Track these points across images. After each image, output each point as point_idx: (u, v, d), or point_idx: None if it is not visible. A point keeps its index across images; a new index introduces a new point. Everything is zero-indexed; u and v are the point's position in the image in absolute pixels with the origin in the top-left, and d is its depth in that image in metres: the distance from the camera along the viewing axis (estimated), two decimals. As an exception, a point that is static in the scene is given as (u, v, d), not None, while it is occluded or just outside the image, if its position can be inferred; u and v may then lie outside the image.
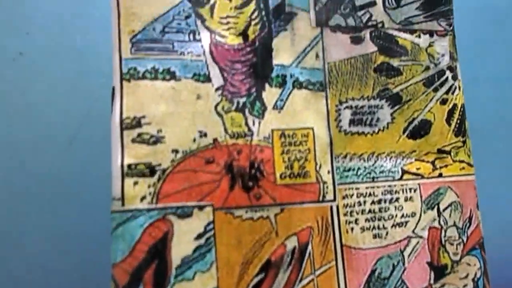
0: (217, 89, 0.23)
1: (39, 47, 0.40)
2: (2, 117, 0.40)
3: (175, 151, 0.22)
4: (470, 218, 0.26)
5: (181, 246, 0.21)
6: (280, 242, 0.22)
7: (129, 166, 0.21)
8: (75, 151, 0.42)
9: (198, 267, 0.21)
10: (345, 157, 0.24)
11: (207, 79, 0.22)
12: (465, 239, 0.26)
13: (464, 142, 0.26)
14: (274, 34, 0.24)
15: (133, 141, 0.21)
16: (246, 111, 0.23)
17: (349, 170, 0.24)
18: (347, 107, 0.25)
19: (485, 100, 0.45)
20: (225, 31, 0.23)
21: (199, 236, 0.21)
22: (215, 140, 0.22)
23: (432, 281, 0.25)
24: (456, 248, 0.25)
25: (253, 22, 0.23)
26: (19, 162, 0.40)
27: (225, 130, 0.22)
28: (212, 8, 0.23)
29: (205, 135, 0.22)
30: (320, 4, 0.25)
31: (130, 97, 0.21)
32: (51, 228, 0.37)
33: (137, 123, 0.21)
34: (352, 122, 0.25)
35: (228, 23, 0.23)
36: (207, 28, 0.23)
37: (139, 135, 0.21)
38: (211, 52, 0.23)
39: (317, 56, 0.24)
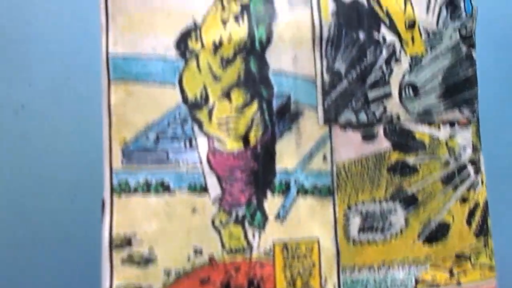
0: (214, 201, 0.21)
1: (41, 99, 0.39)
2: (5, 171, 0.39)
3: (168, 272, 0.20)
4: (489, 328, 0.24)
5: None
6: None
7: (118, 289, 0.20)
8: (77, 201, 0.41)
9: None
10: (353, 269, 0.22)
11: (204, 190, 0.21)
12: None
13: (486, 242, 0.24)
14: (278, 136, 0.22)
15: (123, 262, 0.20)
16: (246, 223, 0.21)
17: (357, 283, 0.22)
18: (356, 212, 0.23)
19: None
20: (225, 135, 0.21)
21: None
22: (211, 258, 0.21)
23: None
24: None
25: (254, 125, 0.22)
26: (21, 214, 0.39)
27: (223, 245, 0.21)
28: (210, 111, 0.21)
29: (201, 252, 0.20)
30: (329, 100, 0.23)
31: (121, 214, 0.20)
32: None
33: (127, 242, 0.20)
34: (361, 230, 0.23)
35: (227, 126, 0.21)
36: (205, 133, 0.21)
37: (130, 256, 0.20)
38: (208, 161, 0.21)
39: (324, 157, 0.22)
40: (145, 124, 0.21)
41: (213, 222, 0.21)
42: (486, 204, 0.25)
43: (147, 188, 0.20)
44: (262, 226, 0.21)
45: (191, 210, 0.21)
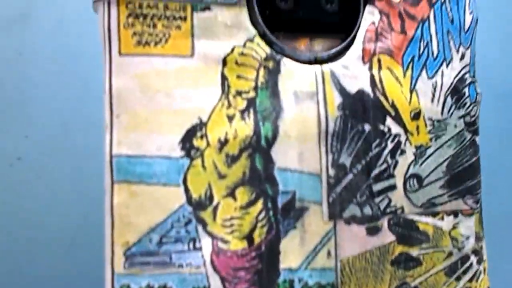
0: (217, 303, 0.21)
1: (38, 151, 0.39)
2: (1, 222, 0.38)
3: None
4: None
5: None
6: None
7: None
8: (74, 254, 0.40)
9: None
10: None
11: (207, 292, 0.21)
12: None
13: (487, 333, 0.24)
14: (282, 235, 0.22)
15: None
16: (249, 325, 0.21)
17: None
18: (359, 309, 0.22)
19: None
20: (229, 235, 0.21)
21: None
22: None
23: None
24: None
25: (259, 224, 0.21)
26: (19, 266, 0.38)
27: None
28: (215, 210, 0.21)
29: None
30: (334, 195, 0.22)
31: (122, 319, 0.20)
32: None
33: None
34: (364, 327, 0.22)
35: (232, 225, 0.21)
36: (209, 233, 0.21)
37: None
38: (212, 262, 0.21)
39: (329, 254, 0.22)
40: (148, 226, 0.20)
41: (215, 326, 0.20)
42: (488, 292, 0.25)
43: (149, 292, 0.20)
44: (265, 327, 0.21)
45: (194, 314, 0.20)
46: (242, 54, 0.22)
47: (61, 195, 0.38)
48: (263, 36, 0.22)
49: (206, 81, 0.21)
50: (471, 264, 0.24)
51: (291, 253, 0.22)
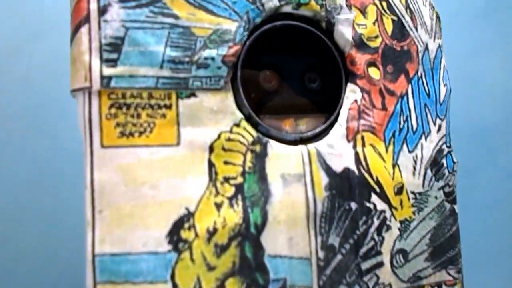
0: None
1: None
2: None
3: None
4: None
5: None
6: None
7: None
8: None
9: None
10: None
11: None
12: None
13: None
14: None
15: None
16: None
17: None
18: None
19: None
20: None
21: None
22: None
23: None
24: None
25: (251, 316, 0.21)
26: None
27: None
28: (205, 305, 0.20)
29: None
30: (324, 277, 0.22)
31: None
32: None
33: None
34: None
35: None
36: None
37: None
38: None
39: None
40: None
41: None
42: None
43: None
44: None
45: None
46: (229, 139, 0.21)
47: (29, 259, 0.36)
48: (248, 118, 0.22)
49: (193, 169, 0.21)
50: (456, 334, 0.25)
51: None
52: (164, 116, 0.20)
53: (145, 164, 0.20)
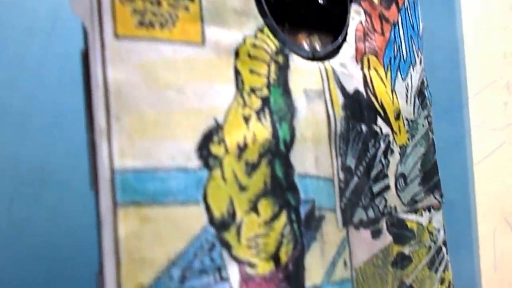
0: None
1: None
2: None
3: None
4: None
5: None
6: None
7: None
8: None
9: None
10: None
11: (238, 329, 0.17)
12: None
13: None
14: (306, 249, 0.19)
15: None
16: None
17: None
18: (372, 315, 0.22)
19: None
20: (255, 257, 0.18)
21: None
22: None
23: None
24: None
25: (285, 240, 0.19)
26: None
27: None
28: (239, 230, 0.17)
29: None
30: (344, 200, 0.21)
31: None
32: None
33: None
34: (378, 333, 0.22)
35: (257, 245, 0.18)
36: (235, 258, 0.17)
37: None
38: (241, 292, 0.17)
39: (345, 264, 0.21)
40: (167, 260, 0.16)
41: None
42: (452, 283, 0.26)
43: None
44: None
45: None
46: (254, 45, 0.19)
47: None
48: (269, 26, 0.20)
49: (219, 75, 0.18)
50: (444, 255, 0.26)
51: (314, 268, 0.19)
52: (187, 8, 0.17)
53: (169, 63, 0.16)
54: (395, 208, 0.24)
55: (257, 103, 0.19)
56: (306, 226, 0.19)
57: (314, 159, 0.20)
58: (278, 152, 0.19)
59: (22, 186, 0.30)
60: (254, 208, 0.18)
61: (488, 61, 0.65)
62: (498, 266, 0.64)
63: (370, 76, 0.23)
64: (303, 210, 0.19)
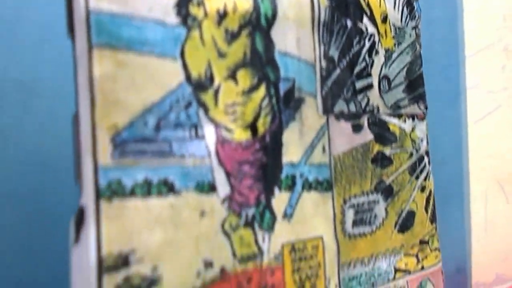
0: (223, 201, 0.17)
1: None
2: None
3: (176, 294, 0.16)
4: (441, 306, 0.26)
5: None
6: None
7: (113, 327, 0.14)
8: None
9: None
10: (349, 265, 0.21)
11: (212, 188, 0.17)
12: (439, 329, 0.26)
13: (436, 227, 0.26)
14: (284, 125, 0.19)
15: (119, 288, 0.15)
16: (256, 225, 0.18)
17: (353, 279, 0.21)
18: (350, 206, 0.22)
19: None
20: (232, 123, 0.18)
21: None
22: (222, 270, 0.17)
23: None
24: None
25: (263, 112, 0.19)
26: None
27: (234, 254, 0.17)
28: (216, 94, 0.18)
29: (211, 264, 0.17)
30: (326, 88, 0.21)
31: (113, 224, 0.15)
32: None
33: (123, 261, 0.15)
34: (354, 223, 0.22)
35: (234, 112, 0.18)
36: (212, 120, 0.17)
37: (127, 279, 0.15)
38: (217, 153, 0.17)
39: (323, 149, 0.21)
40: (142, 105, 0.16)
41: (222, 226, 0.17)
42: (433, 193, 0.27)
43: (147, 188, 0.16)
44: (271, 227, 0.19)
45: (200, 214, 0.17)
46: None
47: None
48: None
49: None
50: (425, 164, 0.26)
51: (292, 146, 0.20)
52: None
53: None
54: (378, 108, 0.24)
55: (239, -26, 0.19)
56: (285, 104, 0.19)
57: (296, 40, 0.20)
58: (259, 26, 0.19)
59: (11, 95, 0.30)
60: (233, 76, 0.18)
61: (487, 23, 0.64)
62: (488, 227, 0.64)
63: (357, -27, 0.23)
64: (283, 87, 0.19)
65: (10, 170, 0.29)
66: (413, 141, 0.26)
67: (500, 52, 0.67)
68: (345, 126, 0.22)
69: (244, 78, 0.18)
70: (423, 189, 0.26)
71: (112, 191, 0.15)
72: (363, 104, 0.23)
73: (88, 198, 0.15)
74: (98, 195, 0.15)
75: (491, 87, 0.66)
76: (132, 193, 0.15)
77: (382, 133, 0.24)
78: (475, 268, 0.60)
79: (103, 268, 0.15)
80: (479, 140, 0.64)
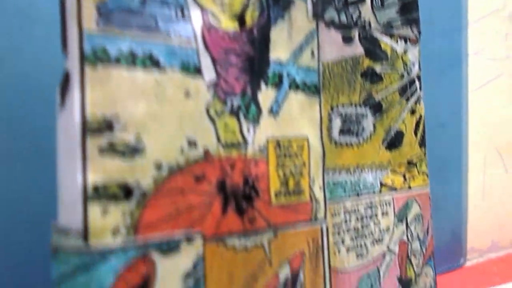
0: (209, 86, 0.18)
1: None
2: None
3: (159, 166, 0.16)
4: (427, 229, 0.26)
5: (166, 292, 0.16)
6: (273, 272, 0.19)
7: (96, 187, 0.15)
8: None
9: (186, 315, 0.16)
10: (334, 170, 0.22)
11: (197, 71, 0.17)
12: (424, 251, 0.26)
13: (425, 153, 0.27)
14: (273, 22, 0.20)
15: (102, 151, 0.15)
16: (241, 115, 0.18)
17: (338, 185, 0.22)
18: (337, 114, 0.22)
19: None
20: (219, 10, 0.18)
21: (187, 276, 0.16)
22: (206, 151, 0.17)
23: (400, 296, 0.24)
24: (418, 261, 0.25)
25: (251, 5, 0.19)
26: None
27: (218, 138, 0.18)
28: (203, -21, 0.18)
29: (195, 144, 0.17)
30: (317, -6, 0.21)
31: (98, 89, 0.15)
32: None
33: (107, 125, 0.15)
34: (341, 132, 0.22)
35: (222, 2, 0.18)
36: (198, 4, 0.17)
37: (111, 144, 0.15)
38: (203, 37, 0.17)
39: (312, 54, 0.21)
40: (129, -23, 0.16)
41: (207, 111, 0.17)
42: (424, 118, 0.27)
43: (132, 60, 0.16)
44: (256, 120, 0.19)
45: (184, 94, 0.17)
46: None
47: None
48: None
49: None
50: (416, 88, 0.26)
51: (280, 45, 0.20)
52: None
53: None
54: (369, 23, 0.24)
55: None
56: (273, 1, 0.20)
57: None
58: None
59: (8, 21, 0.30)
60: (221, -35, 0.18)
61: (492, -11, 0.64)
62: (486, 195, 0.64)
63: None
64: (272, -17, 0.20)
65: (4, 94, 0.29)
66: (404, 63, 0.26)
67: (504, 20, 0.66)
68: (336, 35, 0.22)
69: (233, -30, 0.18)
70: (413, 112, 0.26)
71: (96, 57, 0.15)
72: (355, 17, 0.23)
73: (73, 63, 0.15)
74: (83, 60, 0.15)
75: (493, 54, 0.66)
76: (117, 61, 0.15)
77: (373, 49, 0.24)
78: (470, 234, 0.61)
79: (87, 129, 0.15)
80: (479, 107, 0.63)
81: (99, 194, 0.15)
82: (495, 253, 0.65)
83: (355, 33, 0.23)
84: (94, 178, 0.15)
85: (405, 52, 0.26)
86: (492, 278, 0.51)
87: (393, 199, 0.24)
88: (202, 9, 0.18)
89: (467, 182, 0.61)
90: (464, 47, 0.62)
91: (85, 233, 0.15)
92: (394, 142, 0.25)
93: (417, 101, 0.26)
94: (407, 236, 0.25)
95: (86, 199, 0.15)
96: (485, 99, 0.65)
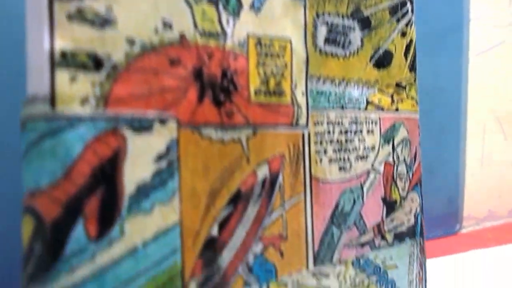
0: (186, -31, 0.17)
1: None
2: None
3: (131, 42, 0.16)
4: (415, 155, 0.26)
5: (137, 169, 0.16)
6: (251, 170, 0.19)
7: (63, 53, 0.14)
8: None
9: (158, 197, 0.16)
10: (318, 79, 0.21)
11: (175, -48, 0.17)
12: (410, 176, 0.25)
13: (415, 78, 0.26)
14: None
15: (70, 18, 0.15)
16: (220, 5, 0.18)
17: (321, 94, 0.21)
18: (323, 22, 0.21)
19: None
20: None
21: (159, 158, 0.16)
22: (182, 36, 0.17)
23: (384, 216, 0.24)
24: (404, 184, 0.25)
25: None
26: None
27: (195, 24, 0.17)
28: None
29: (170, 26, 0.17)
30: None
31: (67, -47, 0.15)
32: None
33: (76, -6, 0.15)
34: (327, 41, 0.22)
35: None
36: None
37: (80, 11, 0.15)
38: None
39: (298, -45, 0.20)
40: None
41: (184, -5, 0.17)
42: (415, 44, 0.26)
43: None
44: (236, 13, 0.18)
45: (160, -27, 0.16)
46: None
47: None
48: None
49: None
50: (408, 11, 0.26)
51: None
52: None
53: None
54: None
55: None
56: None
57: None
58: None
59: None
60: None
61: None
62: (485, 162, 0.64)
63: None
64: None
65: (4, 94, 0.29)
66: (396, -17, 0.25)
67: (508, -15, 0.65)
68: None
69: None
70: (403, 34, 0.25)
71: None
72: None
73: None
74: None
75: (496, 21, 0.65)
76: None
77: (363, -38, 0.23)
78: (467, 202, 0.60)
79: (54, -6, 0.14)
80: (480, 74, 0.63)
81: (67, 61, 0.14)
82: (492, 222, 0.64)
83: None
84: (61, 44, 0.14)
85: (396, -28, 0.25)
86: (487, 243, 0.51)
87: (379, 118, 0.24)
88: None
89: (465, 149, 0.60)
90: (466, 11, 0.60)
91: (52, 99, 0.14)
92: (382, 61, 0.24)
93: (408, 24, 0.26)
94: (393, 157, 0.24)
95: (53, 65, 0.14)
96: (486, 65, 0.64)
